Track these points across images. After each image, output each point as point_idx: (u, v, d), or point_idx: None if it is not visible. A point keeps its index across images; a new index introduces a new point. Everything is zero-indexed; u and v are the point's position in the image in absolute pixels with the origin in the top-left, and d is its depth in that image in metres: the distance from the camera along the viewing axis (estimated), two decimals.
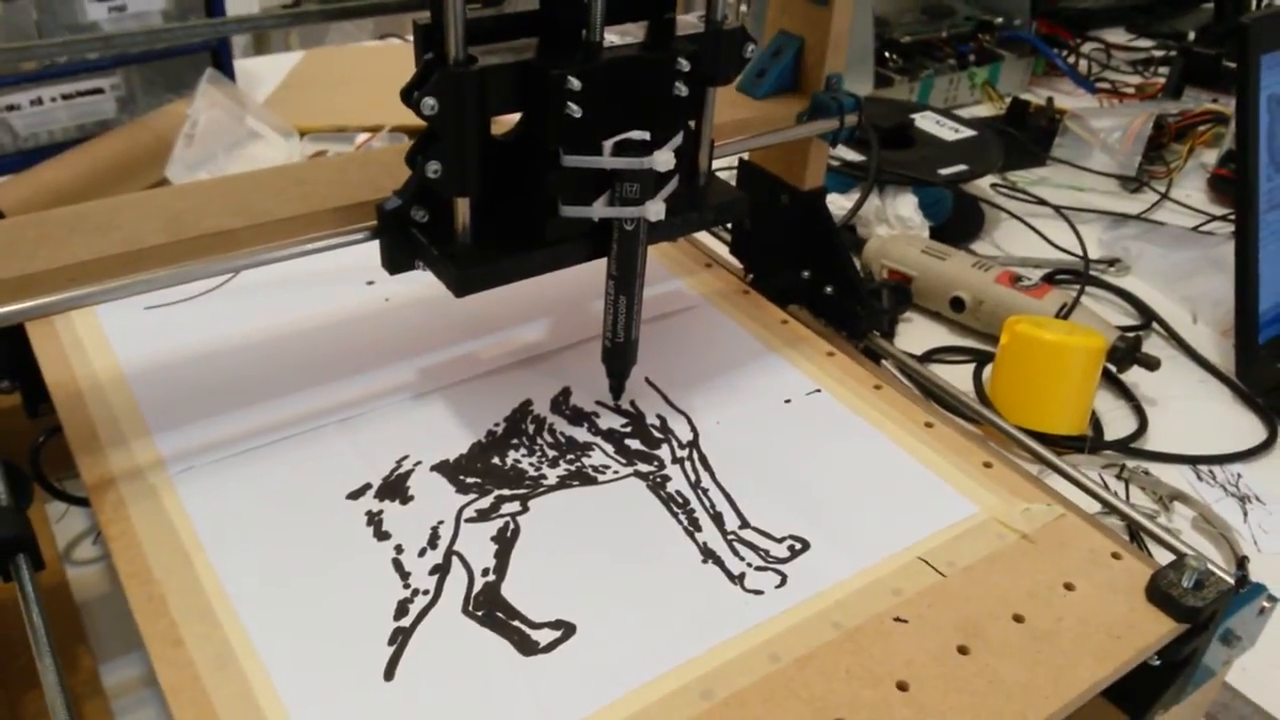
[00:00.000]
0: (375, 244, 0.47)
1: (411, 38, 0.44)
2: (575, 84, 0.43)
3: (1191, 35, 1.29)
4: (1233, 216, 0.95)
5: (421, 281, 0.48)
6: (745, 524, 0.46)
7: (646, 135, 0.46)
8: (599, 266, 0.49)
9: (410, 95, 0.42)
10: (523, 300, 0.59)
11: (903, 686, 0.39)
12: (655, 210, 0.46)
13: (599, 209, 0.46)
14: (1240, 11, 1.19)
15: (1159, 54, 1.35)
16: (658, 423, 0.52)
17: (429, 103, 0.41)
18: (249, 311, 0.57)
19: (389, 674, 0.38)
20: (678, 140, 0.48)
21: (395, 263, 0.47)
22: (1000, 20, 1.21)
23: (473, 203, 0.45)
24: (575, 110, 0.43)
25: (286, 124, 0.94)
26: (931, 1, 1.25)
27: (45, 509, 0.55)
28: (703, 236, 0.70)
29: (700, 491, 0.48)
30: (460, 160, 0.43)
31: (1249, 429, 0.72)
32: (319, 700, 0.37)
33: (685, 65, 0.46)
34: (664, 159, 0.45)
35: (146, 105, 0.96)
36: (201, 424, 0.49)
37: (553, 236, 0.47)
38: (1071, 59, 1.28)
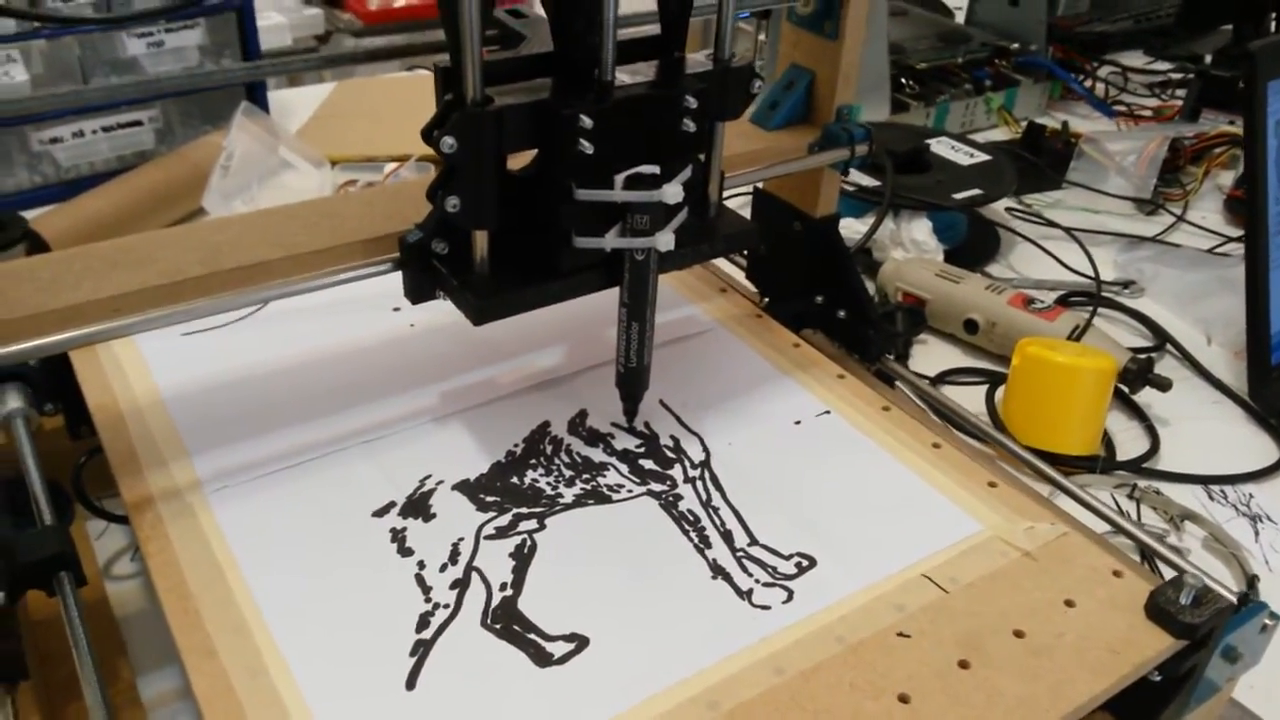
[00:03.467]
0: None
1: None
2: (587, 122, 0.45)
3: (1208, 58, 1.29)
4: None
5: (444, 308, 0.50)
6: (754, 541, 0.48)
7: (656, 169, 0.48)
8: (613, 294, 0.51)
9: (430, 134, 0.44)
10: (540, 327, 0.60)
11: (904, 699, 0.40)
12: (665, 241, 0.48)
13: (611, 240, 0.48)
14: (1259, 34, 1.19)
15: (1176, 77, 1.35)
16: (671, 443, 0.54)
17: (448, 141, 0.43)
18: (281, 337, 0.60)
19: (411, 684, 0.40)
20: (687, 173, 0.50)
21: (417, 292, 0.49)
22: (1016, 46, 1.22)
23: (490, 235, 0.47)
24: (587, 147, 0.45)
25: (318, 154, 0.97)
26: (948, 29, 1.26)
27: (85, 526, 0.58)
28: (719, 262, 0.72)
29: (711, 510, 0.49)
30: (478, 196, 0.45)
31: (1261, 449, 0.73)
32: (345, 709, 0.39)
33: (693, 102, 0.48)
34: (673, 192, 0.47)
35: (183, 136, 0.99)
36: (235, 445, 0.51)
37: (567, 267, 0.49)
38: (1088, 83, 1.29)
